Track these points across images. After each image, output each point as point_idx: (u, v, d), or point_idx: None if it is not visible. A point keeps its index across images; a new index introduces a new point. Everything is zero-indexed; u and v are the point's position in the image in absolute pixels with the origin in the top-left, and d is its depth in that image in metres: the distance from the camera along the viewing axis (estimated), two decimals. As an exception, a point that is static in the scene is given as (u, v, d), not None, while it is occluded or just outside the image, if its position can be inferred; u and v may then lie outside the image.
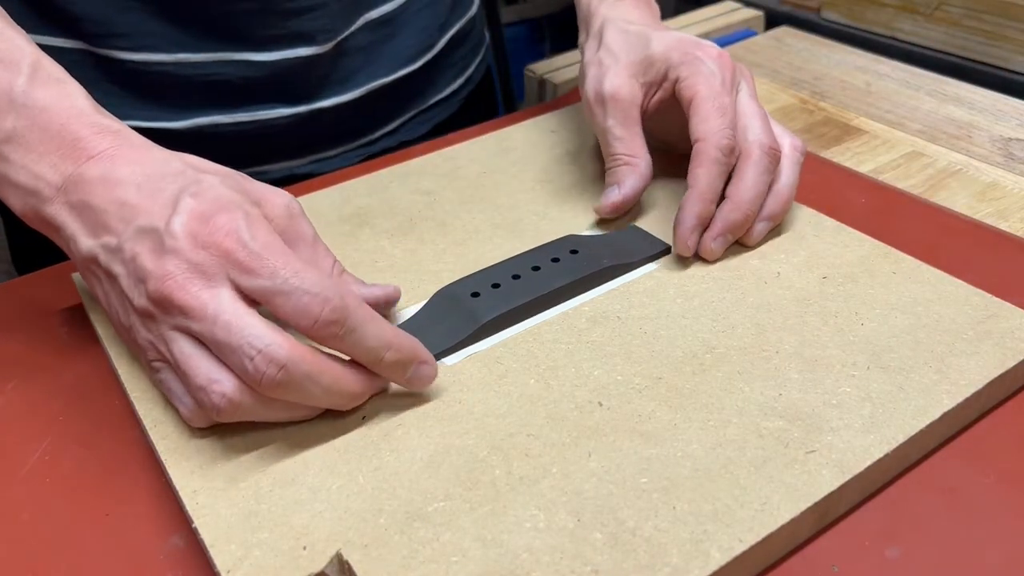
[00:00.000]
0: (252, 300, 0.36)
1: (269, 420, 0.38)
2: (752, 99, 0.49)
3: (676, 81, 0.49)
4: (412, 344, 0.38)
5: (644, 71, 0.51)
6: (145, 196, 0.38)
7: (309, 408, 0.38)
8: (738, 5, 0.90)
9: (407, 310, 0.44)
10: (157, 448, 0.37)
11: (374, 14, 0.62)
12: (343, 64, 0.62)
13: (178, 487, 0.35)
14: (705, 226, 0.46)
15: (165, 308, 0.36)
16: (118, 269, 0.38)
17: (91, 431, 0.41)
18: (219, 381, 0.35)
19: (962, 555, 0.33)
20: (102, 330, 0.44)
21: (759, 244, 0.48)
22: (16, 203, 0.41)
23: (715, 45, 0.51)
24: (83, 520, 0.36)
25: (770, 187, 0.48)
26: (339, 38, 0.60)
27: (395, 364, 0.37)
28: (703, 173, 0.46)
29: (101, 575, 0.34)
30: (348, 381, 0.37)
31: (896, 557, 0.33)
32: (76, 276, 0.48)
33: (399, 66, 0.65)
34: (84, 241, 0.39)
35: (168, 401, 0.39)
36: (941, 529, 0.34)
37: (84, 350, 0.45)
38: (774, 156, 0.47)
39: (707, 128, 0.46)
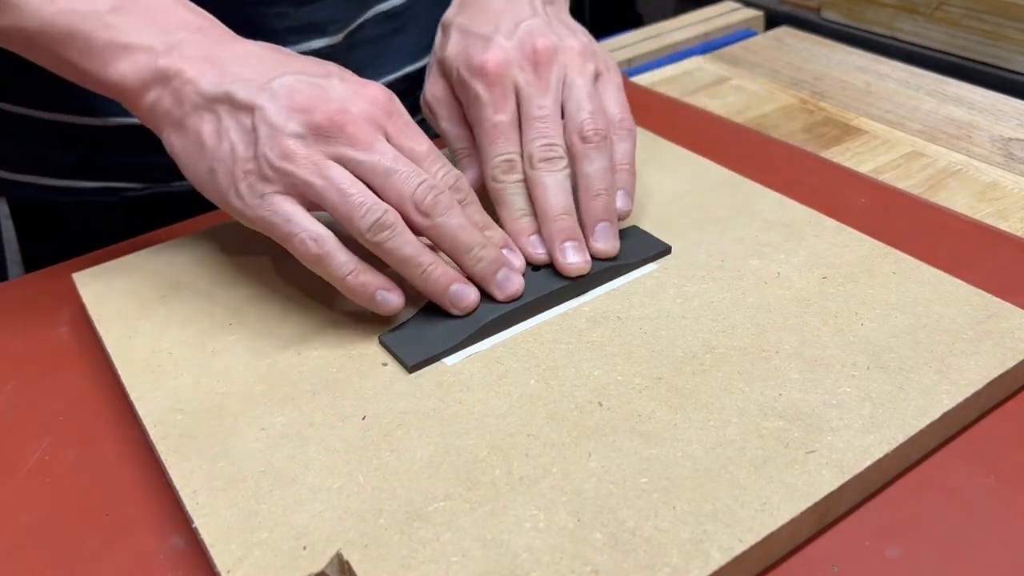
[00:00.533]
0: None
1: (397, 257, 0.41)
2: (531, 101, 0.46)
3: (462, 104, 0.49)
4: (504, 235, 0.45)
5: (447, 73, 0.50)
6: (281, 60, 0.42)
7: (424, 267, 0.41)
8: (738, 5, 0.90)
9: (408, 311, 0.44)
10: (157, 448, 0.37)
11: (384, 6, 0.62)
12: (353, 58, 0.62)
13: (178, 487, 0.35)
14: (536, 231, 0.46)
15: (330, 135, 0.40)
16: (264, 102, 0.40)
17: (91, 431, 0.41)
18: (379, 203, 0.40)
19: (962, 555, 0.33)
20: (103, 330, 0.44)
21: (614, 247, 0.45)
22: (122, 66, 0.43)
23: (496, 45, 0.47)
24: (83, 520, 0.36)
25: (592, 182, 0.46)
26: (349, 29, 0.60)
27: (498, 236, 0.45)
28: (500, 209, 0.46)
29: (101, 575, 0.34)
30: (471, 233, 0.42)
31: (896, 557, 0.33)
32: (76, 276, 0.48)
33: (407, 61, 0.65)
34: (208, 83, 0.41)
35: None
36: (941, 529, 0.34)
37: (84, 350, 0.45)
38: (553, 163, 0.45)
39: (484, 163, 0.47)
